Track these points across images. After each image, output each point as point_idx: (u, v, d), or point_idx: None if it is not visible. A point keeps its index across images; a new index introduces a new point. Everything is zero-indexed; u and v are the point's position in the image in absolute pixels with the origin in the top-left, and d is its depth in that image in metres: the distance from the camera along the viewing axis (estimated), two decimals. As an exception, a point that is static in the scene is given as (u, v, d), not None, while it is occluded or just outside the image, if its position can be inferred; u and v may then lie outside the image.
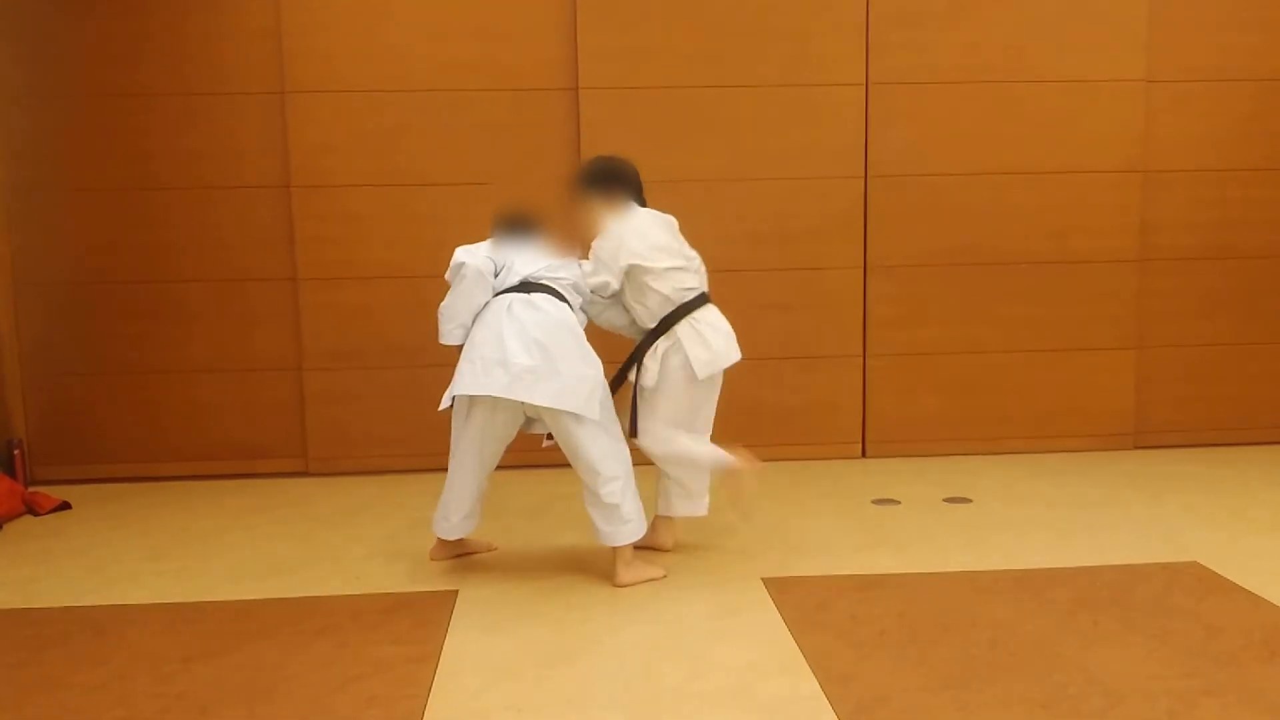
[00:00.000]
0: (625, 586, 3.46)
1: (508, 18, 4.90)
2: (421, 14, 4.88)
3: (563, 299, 3.49)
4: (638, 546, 3.55)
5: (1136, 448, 5.27)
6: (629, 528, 3.46)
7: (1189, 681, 2.68)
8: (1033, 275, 5.15)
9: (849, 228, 5.06)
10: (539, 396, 3.30)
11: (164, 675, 2.84)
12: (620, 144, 4.91)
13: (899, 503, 4.40)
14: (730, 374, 3.65)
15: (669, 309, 3.54)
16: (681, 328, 3.53)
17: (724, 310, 3.63)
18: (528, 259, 3.54)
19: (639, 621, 3.17)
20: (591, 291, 3.60)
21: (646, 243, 3.53)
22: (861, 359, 5.12)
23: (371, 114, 4.88)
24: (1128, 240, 5.16)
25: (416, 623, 3.19)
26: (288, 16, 4.84)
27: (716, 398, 3.67)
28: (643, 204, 3.68)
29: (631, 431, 3.60)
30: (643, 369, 3.57)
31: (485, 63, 4.89)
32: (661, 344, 3.54)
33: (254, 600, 3.42)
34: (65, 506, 4.57)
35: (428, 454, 4.72)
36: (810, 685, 2.71)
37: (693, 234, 5.09)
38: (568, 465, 5.03)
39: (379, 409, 5.02)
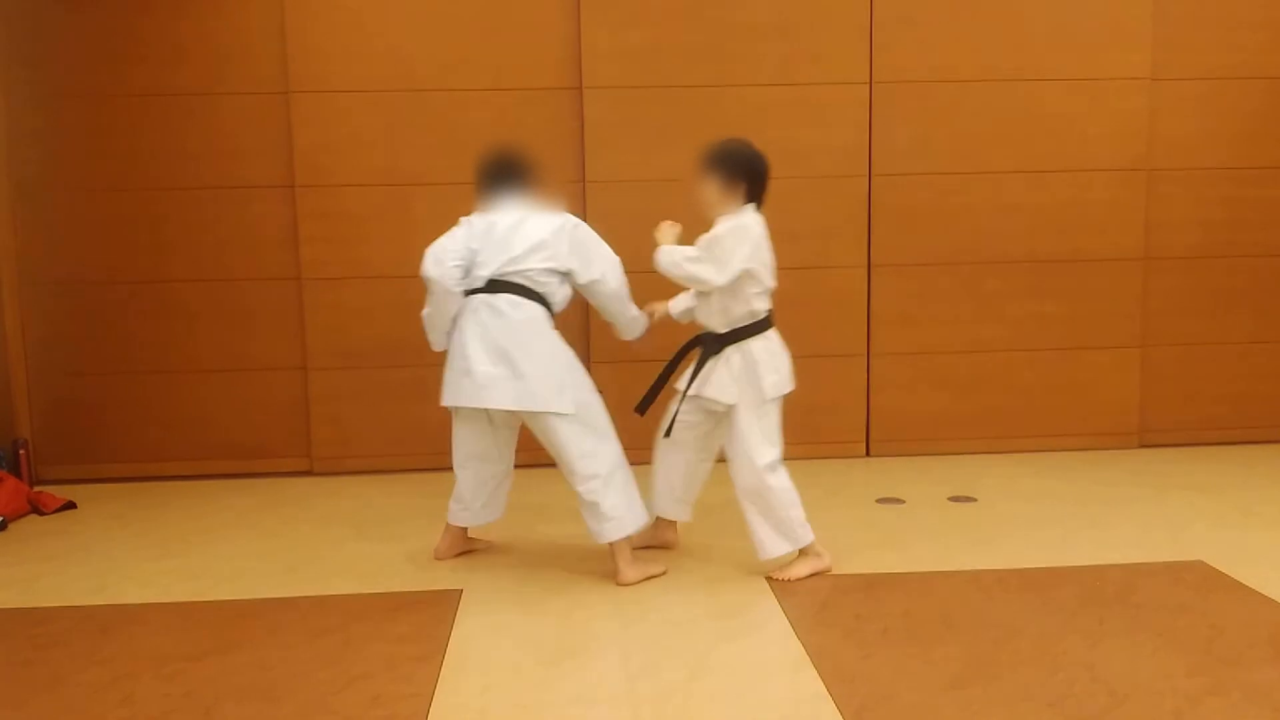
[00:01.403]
0: (627, 585, 3.46)
1: (510, 17, 4.90)
2: (424, 14, 4.87)
3: (532, 293, 3.46)
4: (644, 545, 3.54)
5: (1141, 446, 5.26)
6: (611, 525, 3.45)
7: (1194, 680, 2.68)
8: (1037, 274, 5.14)
9: (853, 226, 5.05)
10: (503, 401, 3.39)
11: (168, 674, 2.84)
12: (624, 143, 4.94)
13: (903, 501, 4.40)
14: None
15: (747, 323, 3.44)
16: (755, 344, 3.44)
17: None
18: (500, 243, 3.46)
19: (643, 620, 3.17)
20: (684, 279, 3.46)
21: (765, 253, 3.44)
22: (865, 358, 5.11)
23: (375, 114, 4.88)
24: (1132, 239, 5.15)
25: (421, 621, 3.19)
26: (291, 17, 4.85)
27: None
28: (759, 205, 3.53)
29: (639, 407, 3.56)
30: (715, 380, 3.45)
31: (488, 62, 4.89)
32: (735, 359, 3.44)
33: (258, 599, 3.43)
34: (70, 506, 4.58)
35: (431, 453, 4.71)
36: (815, 684, 2.71)
37: (697, 233, 5.08)
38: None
39: (382, 408, 5.02)
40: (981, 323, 5.16)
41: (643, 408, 3.66)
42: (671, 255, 3.47)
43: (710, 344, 3.49)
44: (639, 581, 3.49)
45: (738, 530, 4.00)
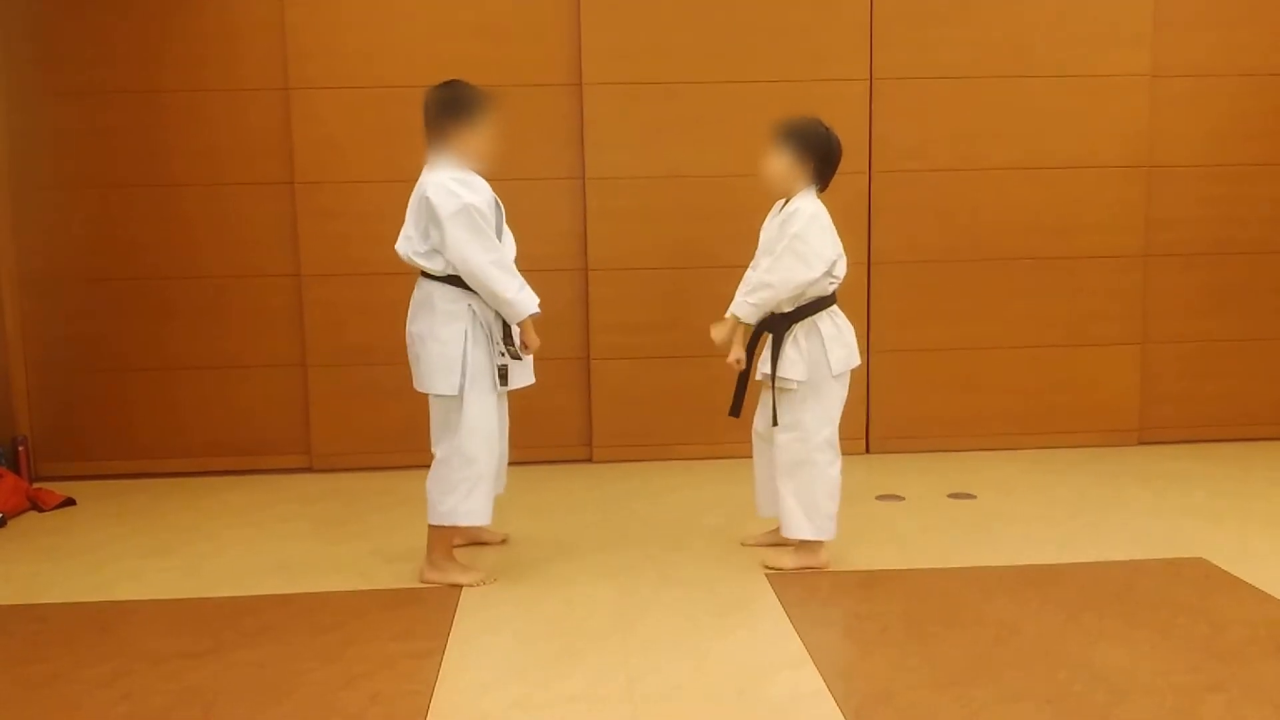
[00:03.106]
0: (425, 584, 3.48)
1: (511, 13, 4.89)
2: (425, 10, 4.87)
3: (427, 274, 3.42)
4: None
5: (1140, 443, 5.26)
6: (432, 510, 3.46)
7: (1194, 677, 2.68)
8: (1036, 271, 5.14)
9: (852, 223, 5.04)
10: (415, 383, 3.48)
11: (168, 671, 2.84)
12: (624, 139, 4.93)
13: (903, 498, 4.40)
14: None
15: (811, 300, 3.43)
16: (822, 320, 3.44)
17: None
18: (410, 222, 3.41)
19: (643, 618, 3.17)
20: (790, 294, 3.40)
21: (833, 236, 3.44)
22: (865, 354, 5.09)
23: (375, 110, 4.87)
24: (1132, 236, 5.14)
25: (421, 619, 3.19)
26: (291, 14, 4.84)
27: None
28: (823, 189, 3.51)
29: (733, 410, 3.52)
30: (783, 358, 3.43)
31: (489, 58, 4.87)
32: (801, 337, 3.43)
33: (258, 596, 3.42)
34: (70, 503, 4.57)
35: (431, 450, 4.71)
36: (814, 681, 2.71)
37: (697, 230, 5.09)
38: (570, 461, 5.05)
39: (383, 404, 5.01)
40: (981, 320, 5.15)
41: (736, 409, 3.61)
42: (760, 283, 3.42)
43: (778, 325, 3.47)
44: (438, 584, 3.48)
45: (737, 527, 4.00)
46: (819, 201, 3.46)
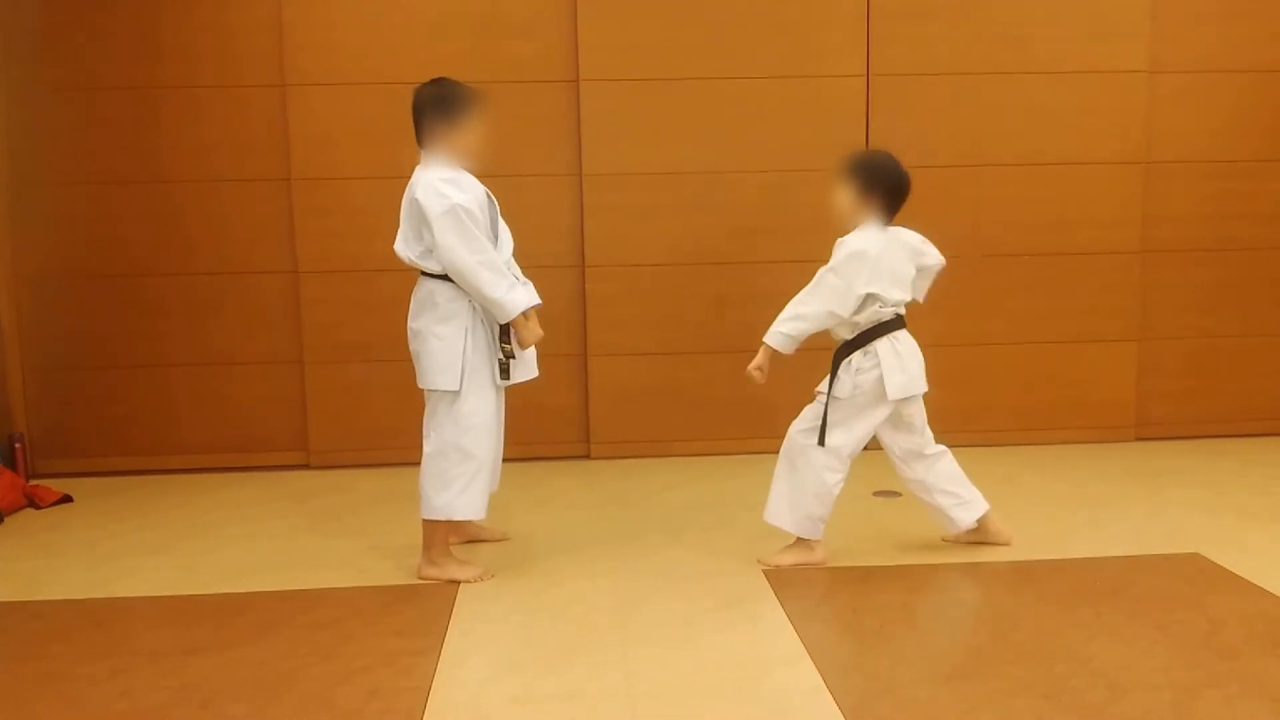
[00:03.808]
0: (422, 580, 3.48)
1: (508, 9, 4.88)
2: (421, 6, 4.86)
3: (427, 272, 3.43)
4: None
5: (1138, 439, 5.26)
6: (426, 505, 3.48)
7: (1192, 673, 2.68)
8: (1034, 267, 5.14)
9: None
10: (418, 380, 3.49)
11: (166, 668, 2.84)
12: (621, 136, 4.93)
13: (900, 494, 4.40)
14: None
15: (872, 325, 3.43)
16: (882, 346, 3.42)
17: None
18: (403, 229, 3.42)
19: (641, 614, 3.17)
20: (818, 326, 3.42)
21: (891, 274, 3.40)
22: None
23: (372, 106, 4.86)
24: (1130, 232, 5.15)
25: (419, 615, 3.19)
26: (288, 10, 4.83)
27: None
28: (889, 222, 3.49)
29: (820, 440, 3.46)
30: (837, 380, 3.45)
31: (485, 55, 4.87)
32: (857, 359, 3.43)
33: (256, 593, 3.42)
34: (67, 500, 4.57)
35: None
36: (813, 677, 2.71)
37: (693, 227, 5.08)
38: (568, 458, 5.05)
39: (380, 401, 5.01)
40: (979, 316, 5.16)
41: (821, 439, 3.49)
42: (793, 314, 3.42)
43: (841, 351, 3.48)
44: (436, 580, 3.48)
45: (736, 524, 4.00)
46: (876, 237, 3.42)
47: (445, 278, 3.37)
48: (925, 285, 3.66)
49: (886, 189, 3.44)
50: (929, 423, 3.59)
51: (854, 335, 3.45)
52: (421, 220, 3.32)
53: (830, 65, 4.96)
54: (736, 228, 5.00)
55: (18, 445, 4.90)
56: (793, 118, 4.96)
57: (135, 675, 2.80)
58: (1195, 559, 3.54)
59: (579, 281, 4.99)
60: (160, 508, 4.46)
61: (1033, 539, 3.79)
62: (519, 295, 3.38)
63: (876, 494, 4.40)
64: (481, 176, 3.45)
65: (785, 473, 3.51)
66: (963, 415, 5.18)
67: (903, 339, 3.48)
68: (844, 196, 3.47)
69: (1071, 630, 2.96)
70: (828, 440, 3.43)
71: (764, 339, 3.47)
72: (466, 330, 3.38)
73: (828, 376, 3.49)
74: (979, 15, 4.98)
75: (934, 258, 3.60)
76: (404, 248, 3.42)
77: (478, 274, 3.30)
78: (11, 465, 4.81)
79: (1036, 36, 5.00)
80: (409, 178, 3.43)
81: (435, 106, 3.39)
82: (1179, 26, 5.05)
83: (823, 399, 3.47)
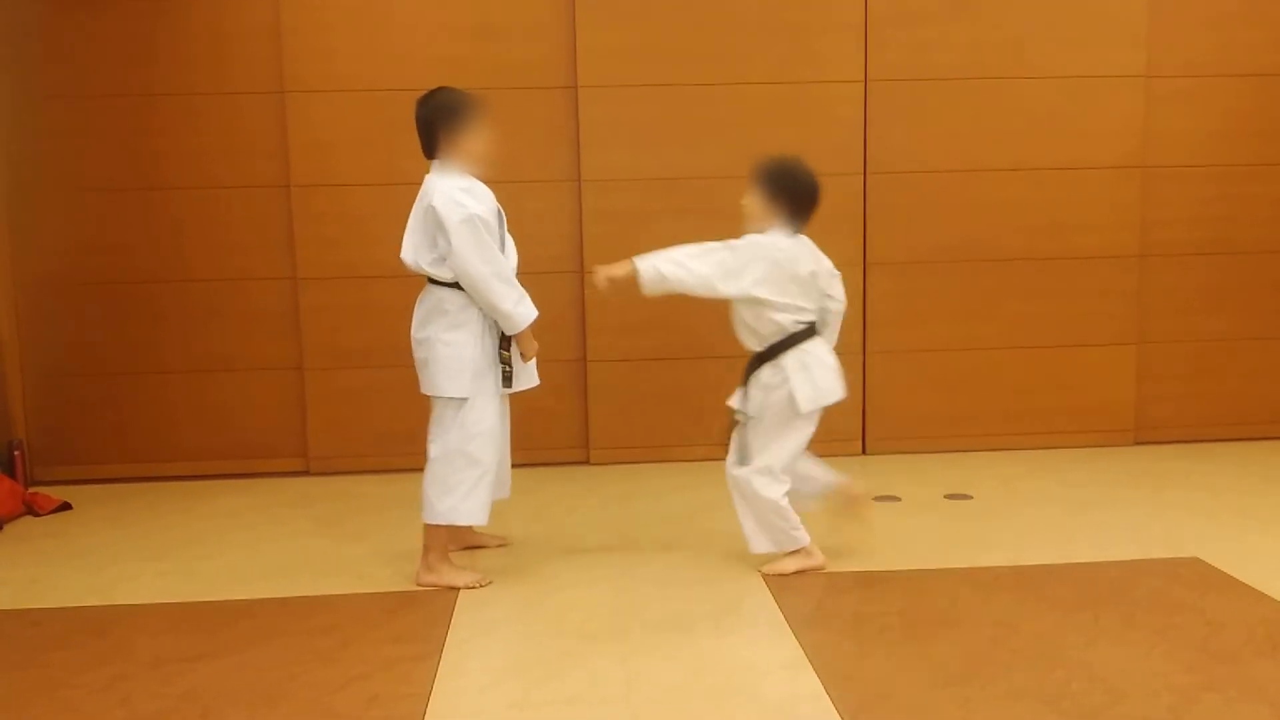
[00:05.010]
0: (421, 586, 3.48)
1: (507, 16, 4.89)
2: (420, 12, 4.87)
3: (435, 280, 3.43)
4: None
5: (1137, 444, 5.27)
6: (429, 510, 3.47)
7: (1191, 677, 2.68)
8: (1032, 271, 5.15)
9: (848, 224, 5.05)
10: (423, 387, 3.50)
11: (166, 676, 2.84)
12: (619, 142, 4.94)
13: (899, 499, 4.40)
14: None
15: (780, 338, 3.42)
16: (789, 360, 3.41)
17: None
18: (410, 230, 3.43)
19: (640, 620, 3.17)
20: (691, 285, 3.41)
21: (784, 276, 3.39)
22: (861, 355, 5.11)
23: (371, 113, 4.87)
24: (1128, 236, 5.15)
25: (418, 621, 3.19)
26: (286, 16, 4.84)
27: (810, 434, 3.51)
28: (798, 230, 3.48)
29: (744, 460, 3.47)
30: (748, 397, 3.46)
31: (484, 61, 4.88)
32: (765, 374, 3.43)
33: (255, 600, 3.42)
34: (66, 507, 4.57)
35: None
36: (812, 683, 2.71)
37: (692, 233, 5.05)
38: (567, 464, 5.05)
39: (379, 408, 5.01)
40: (977, 320, 5.16)
41: (746, 460, 3.51)
42: (681, 261, 3.40)
43: (750, 365, 3.49)
44: (434, 586, 3.48)
45: (735, 530, 4.00)
46: (787, 240, 3.42)
47: (455, 285, 3.39)
48: (833, 330, 3.62)
49: (793, 196, 3.44)
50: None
51: (763, 347, 3.44)
52: (437, 228, 3.34)
53: (828, 71, 4.97)
54: (735, 233, 4.98)
55: (17, 452, 4.90)
56: (791, 123, 4.96)
57: (134, 682, 2.80)
58: (1194, 563, 3.54)
59: (578, 287, 4.99)
60: (159, 514, 4.46)
61: (1032, 543, 3.79)
62: (527, 308, 3.42)
63: (876, 499, 4.40)
64: (483, 182, 3.47)
65: (741, 506, 3.53)
66: (961, 419, 5.19)
67: (812, 349, 3.45)
68: (753, 203, 3.49)
69: (1071, 634, 2.96)
70: (756, 461, 3.44)
71: (635, 259, 3.41)
72: (477, 338, 3.41)
73: (739, 388, 3.49)
74: (977, 21, 4.99)
75: (826, 272, 3.53)
76: (413, 256, 3.43)
77: (490, 285, 3.32)
78: (10, 472, 4.81)
79: (1034, 42, 5.01)
80: (409, 184, 3.45)
81: (445, 115, 3.42)
82: (1176, 31, 5.06)
83: (740, 421, 3.48)
